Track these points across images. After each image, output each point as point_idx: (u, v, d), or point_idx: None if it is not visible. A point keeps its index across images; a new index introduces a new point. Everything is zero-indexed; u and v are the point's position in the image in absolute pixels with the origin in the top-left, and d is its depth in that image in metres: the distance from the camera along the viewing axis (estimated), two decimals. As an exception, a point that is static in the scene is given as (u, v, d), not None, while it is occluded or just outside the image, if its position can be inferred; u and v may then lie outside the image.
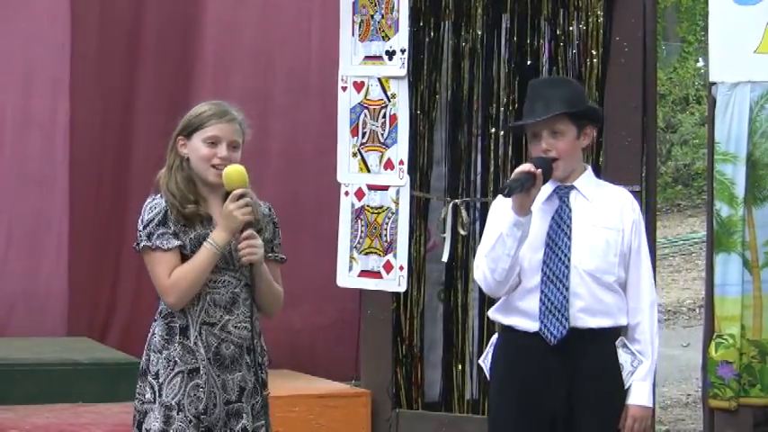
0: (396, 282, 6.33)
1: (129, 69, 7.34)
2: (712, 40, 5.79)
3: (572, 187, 4.05)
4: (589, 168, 4.13)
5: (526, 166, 3.90)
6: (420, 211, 6.55)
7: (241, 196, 3.80)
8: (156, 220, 3.83)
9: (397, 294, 6.43)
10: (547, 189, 4.04)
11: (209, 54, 7.45)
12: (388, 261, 6.34)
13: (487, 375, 4.18)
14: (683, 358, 9.88)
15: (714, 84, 5.77)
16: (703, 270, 7.08)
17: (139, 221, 3.87)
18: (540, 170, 3.89)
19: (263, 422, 3.93)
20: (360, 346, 6.74)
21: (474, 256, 6.50)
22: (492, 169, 6.54)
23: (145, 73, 7.36)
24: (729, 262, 5.68)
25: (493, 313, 4.15)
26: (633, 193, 6.05)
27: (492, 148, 6.54)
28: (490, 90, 6.54)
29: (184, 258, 3.82)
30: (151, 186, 4.00)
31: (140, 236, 3.85)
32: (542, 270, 3.97)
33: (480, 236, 6.49)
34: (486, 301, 6.52)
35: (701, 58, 18.92)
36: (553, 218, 4.00)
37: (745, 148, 5.68)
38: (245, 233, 3.81)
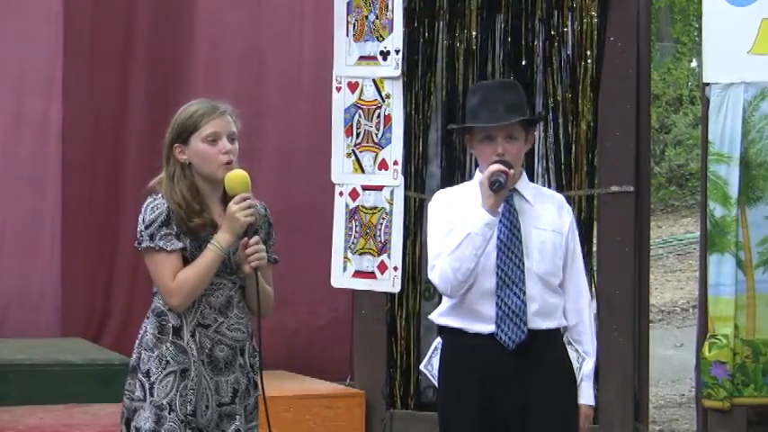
0: (390, 282, 6.33)
1: (122, 69, 7.34)
2: (706, 40, 5.80)
3: (514, 190, 4.05)
4: (524, 172, 4.15)
5: (500, 167, 3.90)
6: (415, 211, 6.55)
7: (244, 199, 3.80)
8: (158, 221, 3.79)
9: (391, 295, 6.43)
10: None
11: (202, 54, 7.44)
12: (382, 261, 6.34)
13: (433, 380, 4.14)
14: (677, 358, 9.88)
15: (708, 84, 5.77)
16: (697, 270, 7.09)
17: (140, 221, 3.83)
18: (512, 171, 3.91)
19: (256, 423, 3.92)
20: (354, 346, 6.74)
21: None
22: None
23: (137, 73, 7.35)
24: (723, 262, 5.69)
25: (440, 317, 4.10)
26: (626, 193, 6.12)
27: (486, 148, 6.55)
28: (484, 90, 6.55)
29: (184, 260, 3.80)
30: (143, 187, 3.98)
31: (142, 236, 3.81)
32: (497, 274, 3.96)
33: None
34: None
35: (694, 59, 18.94)
36: (501, 221, 3.98)
37: (738, 149, 5.69)
38: (253, 239, 3.81)
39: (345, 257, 6.42)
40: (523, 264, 3.96)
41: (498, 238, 3.96)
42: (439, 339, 4.15)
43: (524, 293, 3.94)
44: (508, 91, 4.12)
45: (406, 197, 6.37)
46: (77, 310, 7.16)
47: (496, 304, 3.95)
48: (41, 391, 6.00)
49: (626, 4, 6.11)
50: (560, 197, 4.20)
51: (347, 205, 6.42)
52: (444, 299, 4.08)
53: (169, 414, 3.75)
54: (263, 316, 3.92)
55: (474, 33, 6.51)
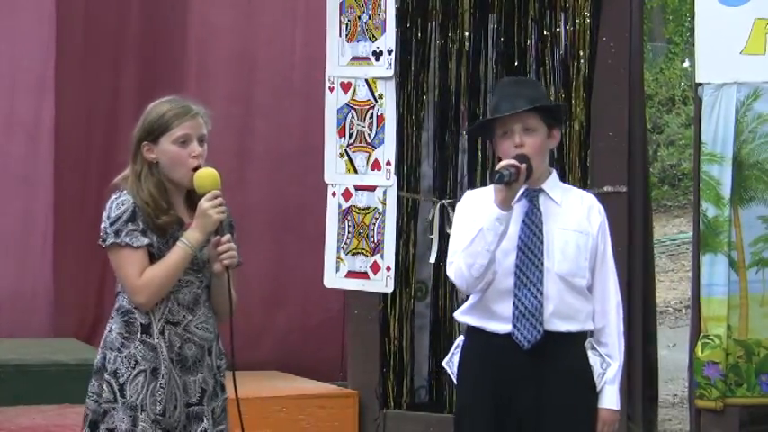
0: (383, 282, 6.33)
1: (114, 69, 7.33)
2: (699, 41, 5.80)
3: (540, 190, 4.03)
4: (554, 172, 4.12)
5: (510, 161, 3.89)
6: (408, 211, 6.56)
7: (216, 197, 3.75)
8: (124, 217, 3.73)
9: (384, 295, 6.43)
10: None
11: (194, 54, 7.44)
12: (375, 262, 6.34)
13: (453, 378, 4.14)
14: (670, 358, 9.88)
15: (700, 84, 5.78)
16: (690, 270, 7.10)
17: (105, 217, 3.77)
18: (524, 165, 3.88)
19: (224, 426, 3.87)
20: (347, 346, 6.74)
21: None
22: (479, 169, 6.55)
23: (129, 73, 7.35)
24: (716, 262, 5.70)
25: (461, 316, 4.11)
26: (619, 193, 6.12)
27: (479, 148, 6.56)
28: (477, 90, 6.56)
29: (151, 256, 3.75)
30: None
31: (107, 232, 3.74)
32: (515, 274, 3.94)
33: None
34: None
35: (687, 59, 18.95)
36: (524, 221, 3.97)
37: (731, 149, 5.69)
38: (225, 237, 3.76)
39: (338, 258, 6.41)
40: (543, 264, 3.94)
41: (519, 237, 3.95)
42: (461, 337, 4.16)
43: (541, 293, 3.92)
44: (523, 85, 4.15)
45: (398, 197, 6.37)
46: (70, 311, 7.15)
47: (513, 303, 3.94)
48: (34, 392, 5.99)
49: (618, 5, 6.11)
50: (592, 198, 4.15)
51: (340, 205, 6.42)
52: (469, 297, 4.08)
53: (141, 414, 3.69)
54: (222, 320, 3.87)
55: (467, 33, 6.52)
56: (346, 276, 6.41)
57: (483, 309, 4.02)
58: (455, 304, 6.59)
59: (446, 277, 6.55)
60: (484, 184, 6.53)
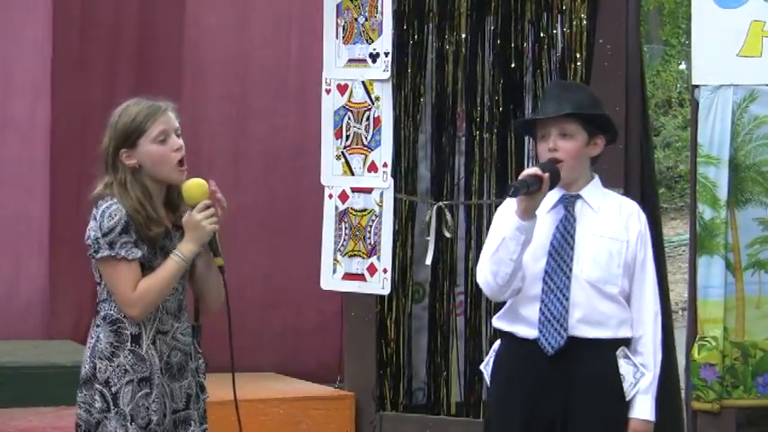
0: (380, 284, 6.33)
1: (111, 71, 7.33)
2: (695, 43, 5.80)
3: (578, 196, 4.02)
4: (597, 178, 4.09)
5: (533, 169, 3.87)
6: (405, 213, 6.55)
7: (207, 207, 3.73)
8: (118, 228, 3.70)
9: (381, 297, 6.43)
10: (553, 197, 4.01)
11: (189, 56, 7.44)
12: (371, 264, 6.34)
13: (488, 381, 4.16)
14: (666, 360, 9.89)
15: (697, 87, 5.77)
16: (686, 272, 7.10)
17: (96, 227, 3.72)
18: (546, 174, 3.85)
19: (206, 426, 3.88)
20: (344, 348, 6.73)
21: (458, 260, 6.59)
22: (476, 172, 6.55)
23: (125, 75, 7.34)
24: (712, 264, 5.69)
25: (496, 321, 4.13)
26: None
27: (476, 150, 6.56)
28: (474, 92, 6.56)
29: (141, 267, 3.72)
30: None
31: (99, 243, 3.70)
32: (544, 280, 3.94)
33: (465, 239, 6.57)
34: (472, 304, 6.54)
35: (683, 61, 18.99)
36: (557, 227, 3.97)
37: (727, 151, 5.69)
38: (202, 204, 3.73)
39: (335, 260, 6.41)
40: (571, 270, 3.93)
41: (551, 243, 3.95)
42: (498, 342, 4.17)
43: (567, 299, 3.91)
44: (570, 90, 4.15)
45: (395, 199, 6.37)
46: (66, 313, 7.15)
47: (540, 309, 3.94)
48: (30, 394, 5.99)
49: (615, 7, 6.11)
50: (633, 205, 4.12)
51: (336, 207, 6.41)
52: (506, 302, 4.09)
53: (131, 425, 3.67)
54: (213, 309, 3.87)
55: (464, 36, 6.52)
56: (343, 278, 6.41)
57: (514, 314, 4.03)
58: (452, 306, 6.59)
59: (443, 279, 6.61)
60: (481, 186, 6.54)
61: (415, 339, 6.69)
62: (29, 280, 7.09)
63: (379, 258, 6.33)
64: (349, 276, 6.39)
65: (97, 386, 3.71)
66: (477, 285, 6.43)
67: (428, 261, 6.40)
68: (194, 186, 3.74)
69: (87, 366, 3.76)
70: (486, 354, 6.38)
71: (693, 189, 5.80)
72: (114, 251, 3.69)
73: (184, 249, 3.72)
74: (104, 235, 3.70)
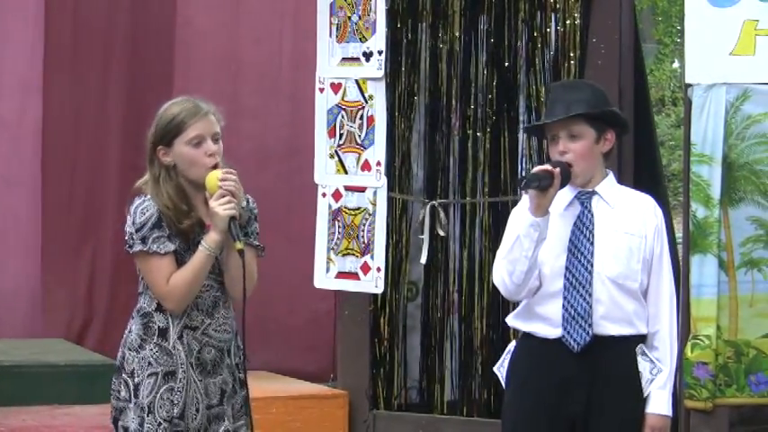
0: (373, 283, 6.32)
1: (102, 69, 7.33)
2: (688, 41, 5.81)
3: (594, 192, 4.00)
4: (611, 174, 4.09)
5: (543, 166, 3.87)
6: (398, 212, 6.55)
7: (222, 196, 3.75)
8: (149, 224, 3.76)
9: (374, 295, 6.43)
10: (568, 194, 3.99)
11: (181, 54, 7.44)
12: (365, 262, 6.33)
13: (503, 383, 4.12)
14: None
15: (690, 85, 5.78)
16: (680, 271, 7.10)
17: (130, 223, 3.78)
18: (557, 169, 3.85)
19: (243, 422, 3.90)
20: (337, 347, 6.73)
21: (452, 259, 6.59)
22: (470, 170, 6.55)
23: (117, 73, 7.35)
24: (705, 263, 5.70)
25: (512, 320, 4.10)
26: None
27: (470, 149, 6.56)
28: (468, 91, 6.56)
29: (176, 260, 3.77)
30: (127, 188, 3.95)
31: (133, 239, 3.77)
32: (565, 276, 3.92)
33: (459, 238, 6.57)
34: (465, 303, 6.54)
35: (676, 60, 18.99)
36: (575, 223, 3.95)
37: (720, 150, 5.69)
38: (220, 192, 3.74)
39: (328, 258, 6.41)
40: (592, 266, 3.92)
41: (570, 240, 3.94)
42: (513, 342, 4.14)
43: (590, 296, 3.90)
44: (572, 90, 4.13)
45: (389, 198, 6.36)
46: (60, 311, 7.15)
47: (563, 306, 3.92)
48: (24, 393, 5.99)
49: (608, 6, 6.11)
50: (649, 200, 4.11)
51: (330, 206, 6.41)
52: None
53: (147, 416, 3.72)
54: (238, 297, 3.84)
55: (457, 34, 6.52)
56: (336, 277, 6.41)
57: (532, 312, 4.00)
58: (446, 305, 6.60)
59: (437, 278, 6.61)
60: (474, 185, 6.54)
61: (409, 338, 6.69)
62: (21, 279, 7.09)
63: (372, 257, 6.33)
64: (342, 275, 6.38)
65: (124, 375, 3.79)
66: (470, 284, 6.52)
67: (423, 260, 6.39)
68: (210, 178, 3.79)
69: (119, 355, 3.85)
70: (480, 352, 6.48)
71: (687, 188, 5.81)
72: (147, 246, 3.75)
73: (208, 239, 3.77)
74: (137, 230, 3.77)
